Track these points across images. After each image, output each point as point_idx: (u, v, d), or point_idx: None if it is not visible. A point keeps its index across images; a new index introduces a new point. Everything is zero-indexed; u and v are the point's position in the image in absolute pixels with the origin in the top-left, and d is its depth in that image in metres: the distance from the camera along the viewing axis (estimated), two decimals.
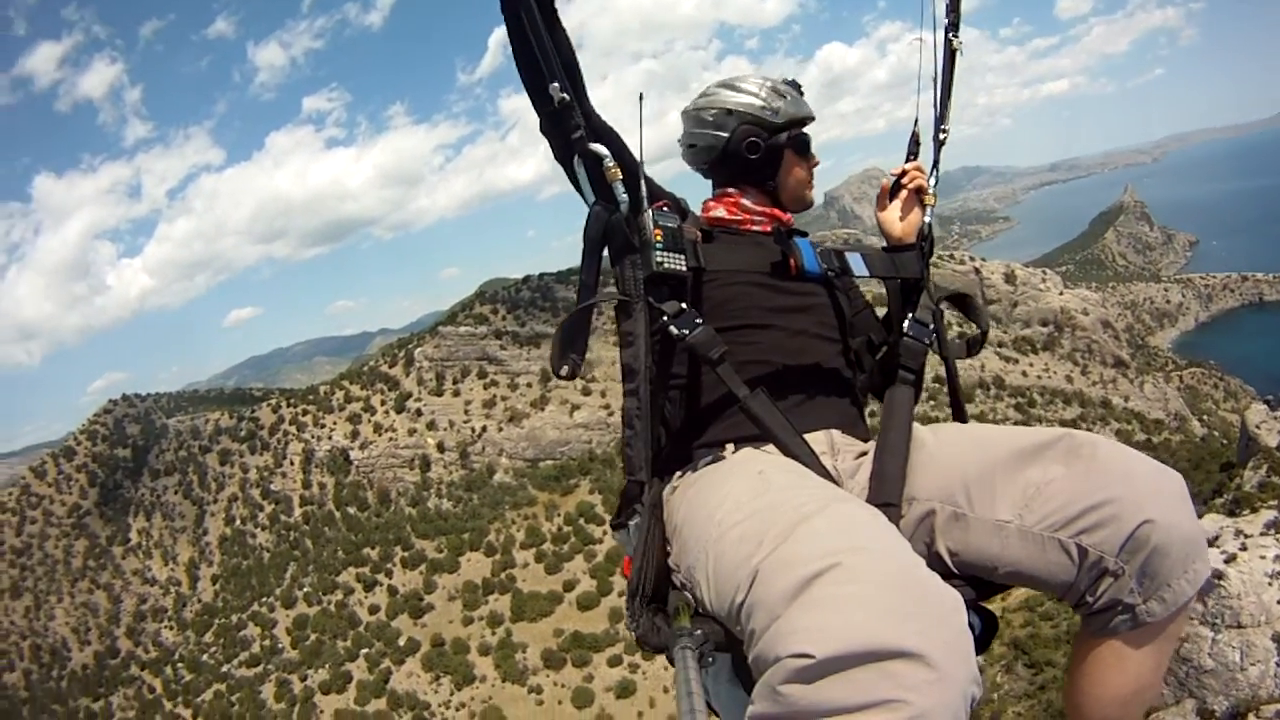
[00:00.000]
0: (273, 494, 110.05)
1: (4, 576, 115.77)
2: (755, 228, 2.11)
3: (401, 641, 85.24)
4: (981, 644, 1.54)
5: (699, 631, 1.39)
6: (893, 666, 1.00)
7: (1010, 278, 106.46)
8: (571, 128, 1.70)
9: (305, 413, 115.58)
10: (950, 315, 2.20)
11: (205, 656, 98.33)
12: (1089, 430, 1.37)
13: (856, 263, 2.02)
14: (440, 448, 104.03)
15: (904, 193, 2.18)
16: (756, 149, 2.08)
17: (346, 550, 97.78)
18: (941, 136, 2.14)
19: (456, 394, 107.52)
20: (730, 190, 2.16)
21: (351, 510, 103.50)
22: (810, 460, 1.67)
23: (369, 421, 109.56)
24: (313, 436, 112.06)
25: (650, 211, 1.79)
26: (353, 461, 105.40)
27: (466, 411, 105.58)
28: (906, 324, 2.01)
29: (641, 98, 1.78)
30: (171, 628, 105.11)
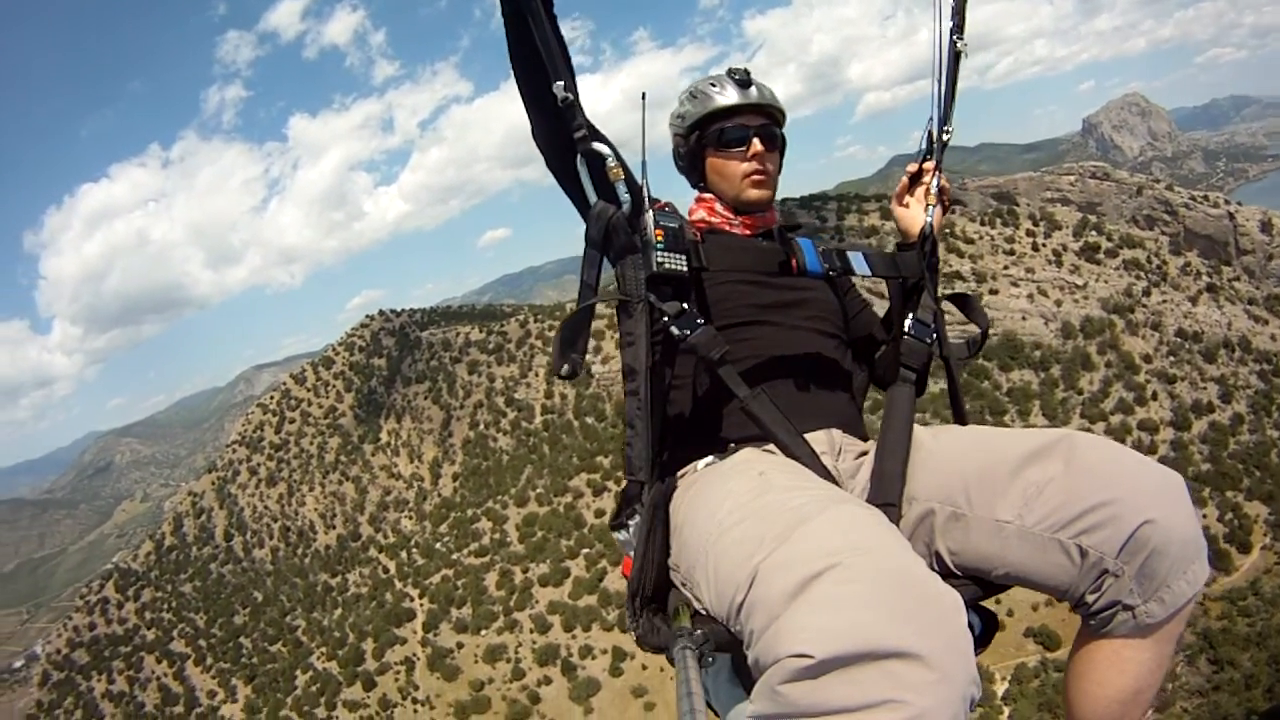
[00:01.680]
0: (516, 402, 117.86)
1: (262, 468, 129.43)
2: (735, 230, 2.12)
3: None
4: (982, 643, 1.56)
5: (699, 631, 1.37)
6: (892, 666, 1.00)
7: (1267, 226, 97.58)
8: (575, 127, 1.68)
9: (551, 328, 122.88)
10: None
11: (438, 545, 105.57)
12: None
13: (859, 261, 2.01)
14: None
15: (921, 190, 2.18)
16: (679, 158, 2.17)
17: (581, 457, 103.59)
18: (945, 138, 2.11)
19: None
20: (706, 195, 2.19)
21: (589, 420, 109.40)
22: (811, 461, 1.66)
23: (611, 337, 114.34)
24: None
25: (651, 212, 1.77)
26: (594, 375, 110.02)
27: None
28: (908, 323, 2.00)
29: (644, 96, 1.80)
30: (411, 518, 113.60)
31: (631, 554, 1.67)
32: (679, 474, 1.83)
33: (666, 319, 1.72)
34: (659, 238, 1.75)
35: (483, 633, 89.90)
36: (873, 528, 1.25)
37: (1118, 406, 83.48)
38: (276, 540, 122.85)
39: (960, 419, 2.02)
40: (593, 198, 1.76)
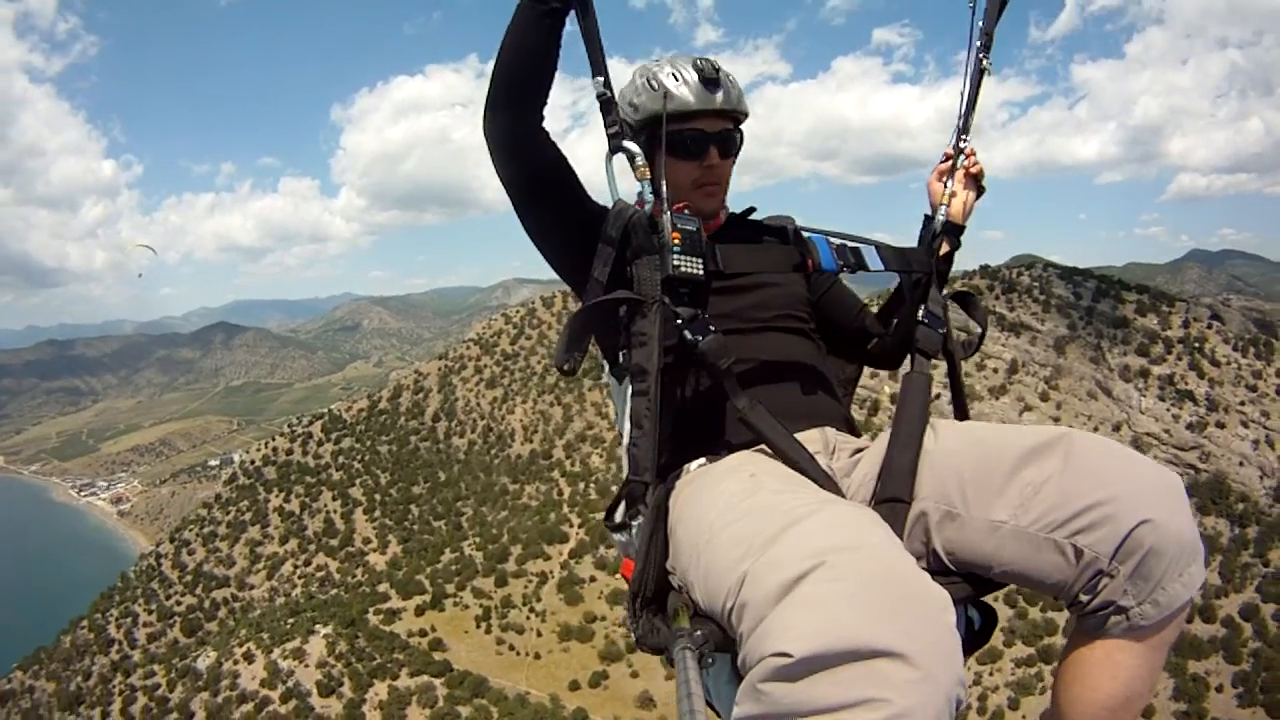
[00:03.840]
0: None
1: (488, 370, 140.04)
2: None
3: None
4: (980, 639, 1.58)
5: (699, 632, 1.35)
6: (875, 665, 0.98)
7: None
8: (608, 123, 1.66)
9: None
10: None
11: (614, 487, 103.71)
12: None
13: (872, 257, 2.01)
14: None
15: (960, 173, 2.16)
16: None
17: None
18: (963, 146, 2.14)
19: None
20: None
21: None
22: (809, 464, 1.65)
23: None
24: None
25: (669, 214, 1.74)
26: None
27: None
28: (920, 313, 2.00)
29: (666, 97, 1.82)
30: (601, 455, 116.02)
31: (631, 555, 1.67)
32: (676, 476, 1.81)
33: (680, 323, 1.70)
34: (675, 240, 1.73)
35: (618, 576, 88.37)
36: (863, 527, 1.24)
37: None
38: (476, 435, 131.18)
39: (961, 414, 2.04)
40: (615, 195, 1.75)
